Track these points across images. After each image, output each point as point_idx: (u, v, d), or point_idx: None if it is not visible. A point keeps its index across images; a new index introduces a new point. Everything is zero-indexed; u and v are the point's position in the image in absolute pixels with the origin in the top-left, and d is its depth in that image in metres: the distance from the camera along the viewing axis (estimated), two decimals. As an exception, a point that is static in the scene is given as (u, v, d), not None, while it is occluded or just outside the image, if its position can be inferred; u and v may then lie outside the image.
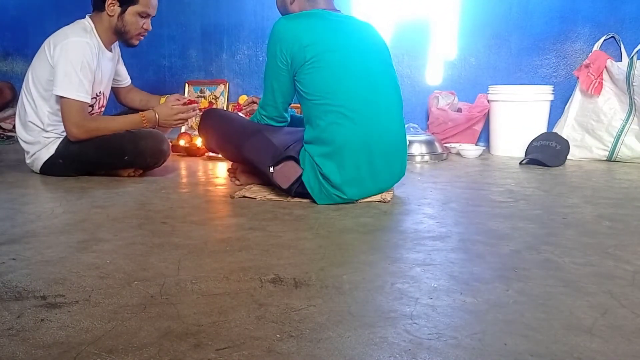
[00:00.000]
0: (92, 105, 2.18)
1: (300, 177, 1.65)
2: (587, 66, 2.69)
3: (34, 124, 2.16)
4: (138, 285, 0.99)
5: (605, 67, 2.65)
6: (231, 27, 3.62)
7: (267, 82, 1.76)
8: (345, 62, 1.65)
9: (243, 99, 3.31)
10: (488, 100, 2.97)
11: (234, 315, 0.86)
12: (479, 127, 3.08)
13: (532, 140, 2.71)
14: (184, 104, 2.23)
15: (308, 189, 1.66)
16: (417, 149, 2.70)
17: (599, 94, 2.67)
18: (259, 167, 1.75)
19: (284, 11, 1.80)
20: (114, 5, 2.12)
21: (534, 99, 2.81)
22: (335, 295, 0.95)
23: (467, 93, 3.17)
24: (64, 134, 2.14)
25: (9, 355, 0.73)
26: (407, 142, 1.98)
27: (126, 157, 2.12)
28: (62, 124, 2.11)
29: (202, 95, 3.60)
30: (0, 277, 1.04)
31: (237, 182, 2.00)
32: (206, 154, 2.77)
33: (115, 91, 2.45)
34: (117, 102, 2.52)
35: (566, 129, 2.76)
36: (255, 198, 1.76)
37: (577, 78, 2.75)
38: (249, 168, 1.92)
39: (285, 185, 1.67)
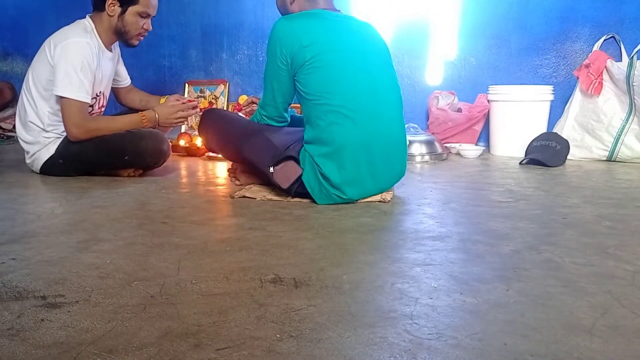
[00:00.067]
0: (92, 106, 2.18)
1: (300, 177, 1.65)
2: (587, 66, 2.69)
3: (34, 124, 2.17)
4: (138, 285, 0.99)
5: (605, 67, 2.65)
6: (231, 27, 3.62)
7: (267, 82, 1.76)
8: (345, 62, 1.65)
9: (243, 99, 3.31)
10: (488, 100, 2.97)
11: (234, 315, 0.86)
12: (479, 127, 3.08)
13: (532, 140, 2.71)
14: (184, 104, 2.23)
15: (308, 189, 1.66)
16: (417, 149, 2.70)
17: (599, 94, 2.67)
18: (259, 167, 1.75)
19: (284, 11, 1.80)
20: (114, 6, 2.12)
21: (534, 99, 2.81)
22: (335, 295, 0.95)
23: (467, 93, 3.17)
24: (64, 134, 2.14)
25: (9, 355, 0.73)
26: (407, 142, 1.98)
27: (126, 157, 2.12)
28: (62, 124, 2.11)
29: (202, 95, 3.60)
30: (0, 277, 1.04)
31: (237, 182, 2.00)
32: (206, 154, 2.77)
33: (115, 91, 2.45)
34: (117, 102, 2.52)
35: (566, 129, 2.76)
36: (255, 198, 1.76)
37: (577, 78, 2.75)
38: (249, 168, 1.92)
39: (285, 185, 1.67)
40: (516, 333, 0.80)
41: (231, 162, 2.09)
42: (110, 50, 2.24)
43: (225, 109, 3.44)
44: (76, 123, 2.07)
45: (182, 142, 2.91)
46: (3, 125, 3.62)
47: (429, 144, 2.75)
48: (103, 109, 2.32)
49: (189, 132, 3.17)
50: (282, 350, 0.75)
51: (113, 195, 1.83)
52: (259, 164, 1.74)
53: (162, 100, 2.35)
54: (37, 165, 2.21)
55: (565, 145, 2.64)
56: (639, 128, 2.59)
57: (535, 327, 0.82)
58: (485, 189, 1.97)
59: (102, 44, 2.17)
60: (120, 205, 1.69)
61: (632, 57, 2.58)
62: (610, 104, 2.66)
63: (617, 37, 2.84)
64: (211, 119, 2.00)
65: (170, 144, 2.37)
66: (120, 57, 2.40)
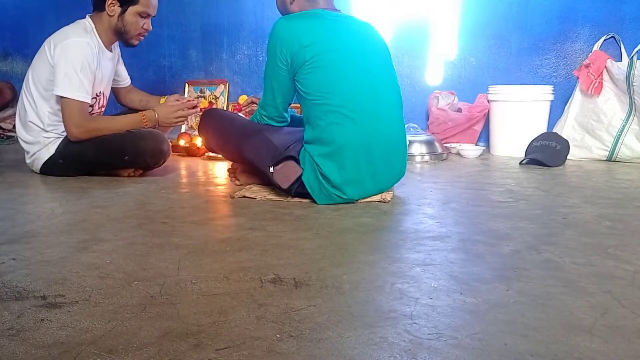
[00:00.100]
0: (92, 106, 2.18)
1: (300, 177, 1.65)
2: (587, 66, 2.69)
3: (34, 124, 2.17)
4: (138, 285, 0.99)
5: (605, 67, 2.65)
6: (231, 27, 3.62)
7: (267, 82, 1.76)
8: (345, 62, 1.65)
9: (243, 99, 3.30)
10: (488, 100, 2.97)
11: (234, 315, 0.86)
12: (479, 127, 3.08)
13: (532, 140, 2.71)
14: (183, 103, 2.24)
15: (308, 189, 1.66)
16: (417, 149, 2.70)
17: (599, 94, 2.67)
18: (259, 167, 1.75)
19: (284, 11, 1.80)
20: (114, 6, 2.12)
21: (534, 99, 2.81)
22: (335, 295, 0.95)
23: (467, 93, 3.17)
24: (64, 134, 2.14)
25: (9, 355, 0.73)
26: (407, 142, 1.98)
27: (126, 157, 2.12)
28: (62, 124, 2.11)
29: (202, 95, 3.60)
30: (0, 277, 1.04)
31: (237, 182, 2.01)
32: (206, 154, 2.77)
33: (115, 91, 2.45)
34: (117, 102, 2.52)
35: (566, 129, 2.76)
36: (255, 198, 1.76)
37: (577, 78, 2.75)
38: (249, 168, 1.92)
39: (285, 185, 1.67)
40: (516, 333, 0.80)
41: (231, 162, 2.09)
42: (110, 50, 2.24)
43: (225, 109, 3.44)
44: (76, 123, 2.07)
45: (182, 142, 2.91)
46: (3, 125, 3.63)
47: (429, 144, 2.75)
48: (103, 109, 2.32)
49: (189, 132, 3.18)
50: (282, 350, 0.75)
51: (113, 195, 1.83)
52: (259, 164, 1.74)
53: (162, 100, 2.35)
54: (37, 165, 2.21)
55: (565, 145, 2.64)
56: (639, 128, 2.59)
57: (535, 327, 0.82)
58: (485, 189, 1.97)
59: (102, 44, 2.17)
60: (120, 205, 1.69)
61: (632, 57, 2.58)
62: (610, 104, 2.66)
63: (617, 37, 2.84)
64: (211, 119, 2.00)
65: (170, 144, 2.37)
66: (120, 57, 2.40)
